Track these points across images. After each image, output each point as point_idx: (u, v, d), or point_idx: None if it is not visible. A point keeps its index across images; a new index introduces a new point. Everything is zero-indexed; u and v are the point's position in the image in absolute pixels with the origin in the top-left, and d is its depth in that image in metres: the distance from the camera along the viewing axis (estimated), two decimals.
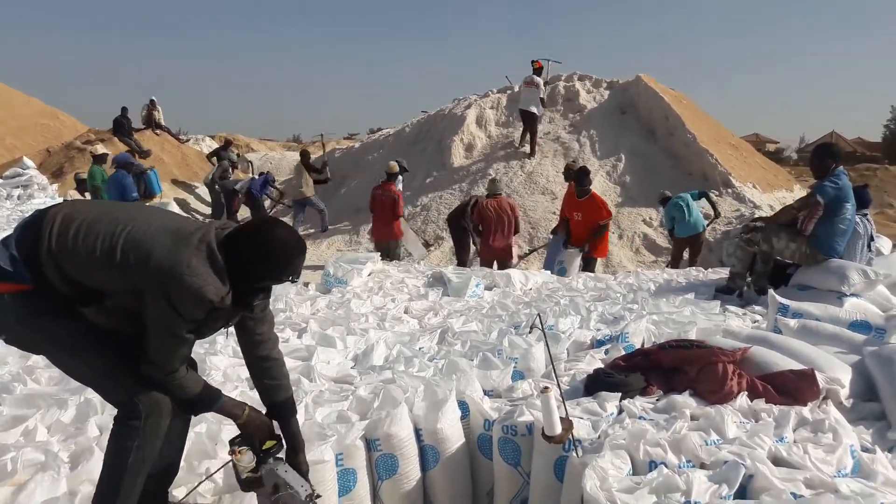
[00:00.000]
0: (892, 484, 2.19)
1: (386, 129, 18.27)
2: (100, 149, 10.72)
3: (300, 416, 2.80)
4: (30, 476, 2.38)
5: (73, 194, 13.73)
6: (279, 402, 2.29)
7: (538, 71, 13.09)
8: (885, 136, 49.77)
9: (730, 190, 11.84)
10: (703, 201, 9.67)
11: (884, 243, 6.83)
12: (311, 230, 12.61)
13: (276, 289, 5.67)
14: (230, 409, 2.19)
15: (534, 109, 12.70)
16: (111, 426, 2.10)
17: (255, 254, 2.00)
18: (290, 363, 3.66)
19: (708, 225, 9.73)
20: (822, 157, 5.05)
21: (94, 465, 2.50)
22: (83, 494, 2.32)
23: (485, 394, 3.11)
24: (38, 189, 14.19)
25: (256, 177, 13.45)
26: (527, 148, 13.42)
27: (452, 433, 2.76)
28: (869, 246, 5.40)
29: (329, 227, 12.67)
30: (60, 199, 12.29)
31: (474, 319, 4.66)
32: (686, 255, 9.53)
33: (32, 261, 1.91)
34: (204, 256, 1.94)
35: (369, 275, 6.48)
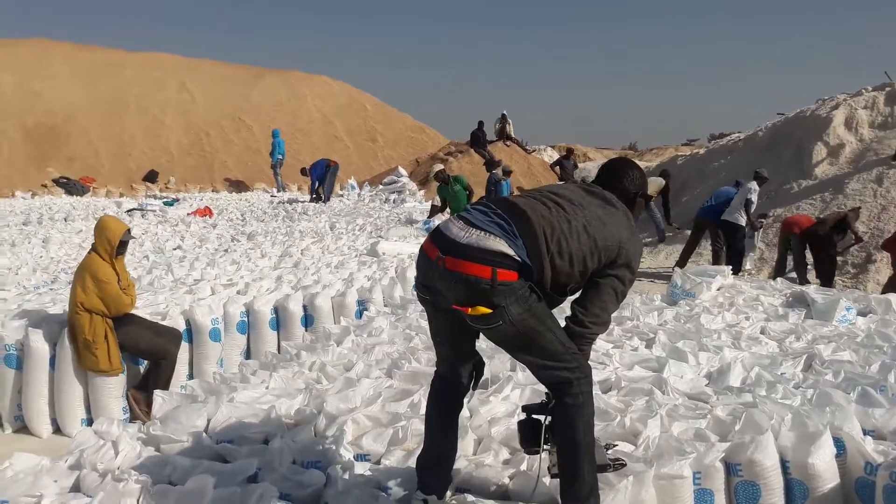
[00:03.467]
0: None
1: (733, 133, 17.18)
2: (437, 168, 12.09)
3: (656, 428, 2.84)
4: (417, 444, 2.75)
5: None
6: None
7: None
8: None
9: None
10: None
11: None
12: (647, 239, 12.44)
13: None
14: None
15: None
16: (558, 409, 2.26)
17: (642, 172, 2.55)
18: (640, 373, 3.71)
19: None
20: None
21: (467, 444, 2.83)
22: (459, 467, 2.64)
23: (865, 433, 2.78)
24: (409, 194, 16.40)
25: None
26: None
27: (826, 471, 2.53)
28: None
29: (666, 235, 12.38)
30: (427, 204, 14.03)
31: (847, 348, 4.16)
32: None
33: (534, 256, 2.15)
34: (629, 213, 2.36)
35: (719, 289, 6.18)
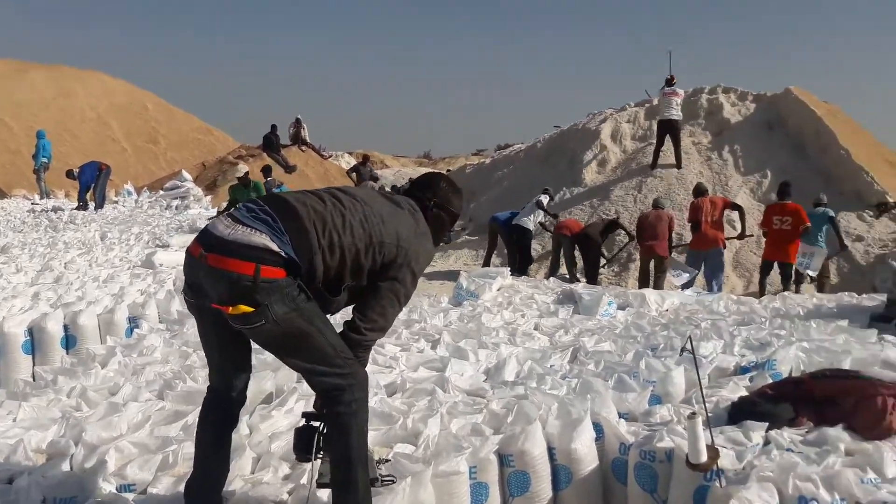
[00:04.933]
0: None
1: (516, 144, 18.37)
2: (242, 170, 11.54)
3: (436, 427, 2.90)
4: (188, 469, 2.55)
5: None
6: None
7: (672, 85, 12.65)
8: None
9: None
10: (831, 229, 8.88)
11: None
12: None
13: (411, 300, 5.87)
14: None
15: (675, 116, 12.24)
16: (330, 417, 2.20)
17: (452, 188, 2.52)
18: (424, 374, 3.79)
19: (829, 258, 9.10)
20: None
21: (245, 463, 2.70)
22: (234, 488, 2.50)
23: (620, 416, 3.06)
24: (194, 200, 15.45)
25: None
26: (665, 160, 12.96)
27: (587, 454, 2.73)
28: None
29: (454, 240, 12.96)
30: (214, 211, 13.34)
31: (607, 339, 4.59)
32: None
33: (303, 251, 2.06)
34: (422, 218, 2.35)
35: (499, 289, 6.54)
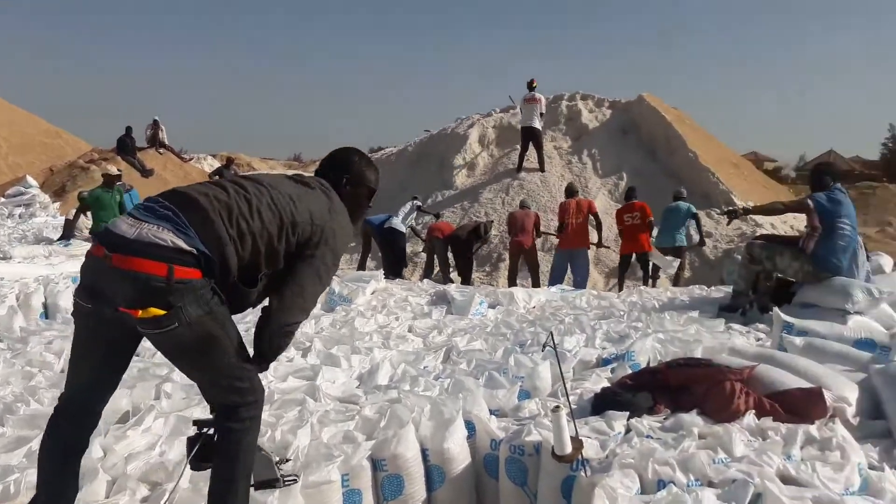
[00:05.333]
0: None
1: (388, 147, 18.37)
2: (114, 170, 10.58)
3: (306, 437, 2.81)
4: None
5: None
6: None
7: (533, 88, 13.13)
8: (883, 155, 50.11)
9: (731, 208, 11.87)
10: (693, 224, 9.86)
11: (885, 261, 6.83)
12: None
13: None
14: None
15: (537, 125, 12.79)
16: (221, 430, 2.07)
17: (365, 162, 2.48)
18: (294, 383, 3.67)
19: (690, 248, 10.14)
20: (820, 175, 5.26)
21: (98, 487, 2.49)
22: None
23: (491, 413, 3.10)
24: (40, 208, 14.27)
25: None
26: (530, 164, 13.44)
27: (459, 453, 2.75)
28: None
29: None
30: (62, 218, 12.34)
31: (479, 338, 4.65)
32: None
33: (212, 244, 1.92)
34: (336, 197, 2.25)
35: (373, 293, 6.48)
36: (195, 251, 1.91)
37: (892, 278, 5.78)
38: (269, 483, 2.25)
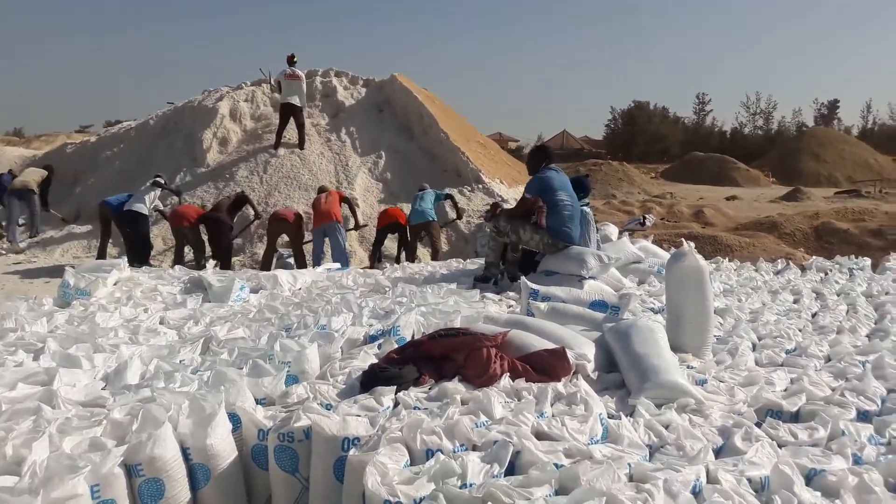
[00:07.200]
0: (635, 445, 2.49)
1: (126, 121, 16.75)
2: None
3: (44, 449, 2.48)
4: None
5: None
6: None
7: (293, 64, 12.82)
8: (606, 135, 57.30)
9: (480, 185, 12.69)
10: (449, 202, 10.92)
11: (611, 230, 7.79)
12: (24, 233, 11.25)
13: (4, 306, 4.93)
14: None
15: (297, 101, 12.51)
16: None
17: None
18: (25, 390, 3.21)
19: (450, 222, 11.22)
20: (535, 157, 5.99)
21: None
22: None
23: (257, 403, 2.98)
24: None
25: None
26: (289, 141, 13.11)
27: (224, 448, 2.61)
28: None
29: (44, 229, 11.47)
30: None
31: (241, 325, 4.44)
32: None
33: None
34: None
35: (115, 283, 5.89)
36: None
37: (617, 245, 6.62)
38: None
